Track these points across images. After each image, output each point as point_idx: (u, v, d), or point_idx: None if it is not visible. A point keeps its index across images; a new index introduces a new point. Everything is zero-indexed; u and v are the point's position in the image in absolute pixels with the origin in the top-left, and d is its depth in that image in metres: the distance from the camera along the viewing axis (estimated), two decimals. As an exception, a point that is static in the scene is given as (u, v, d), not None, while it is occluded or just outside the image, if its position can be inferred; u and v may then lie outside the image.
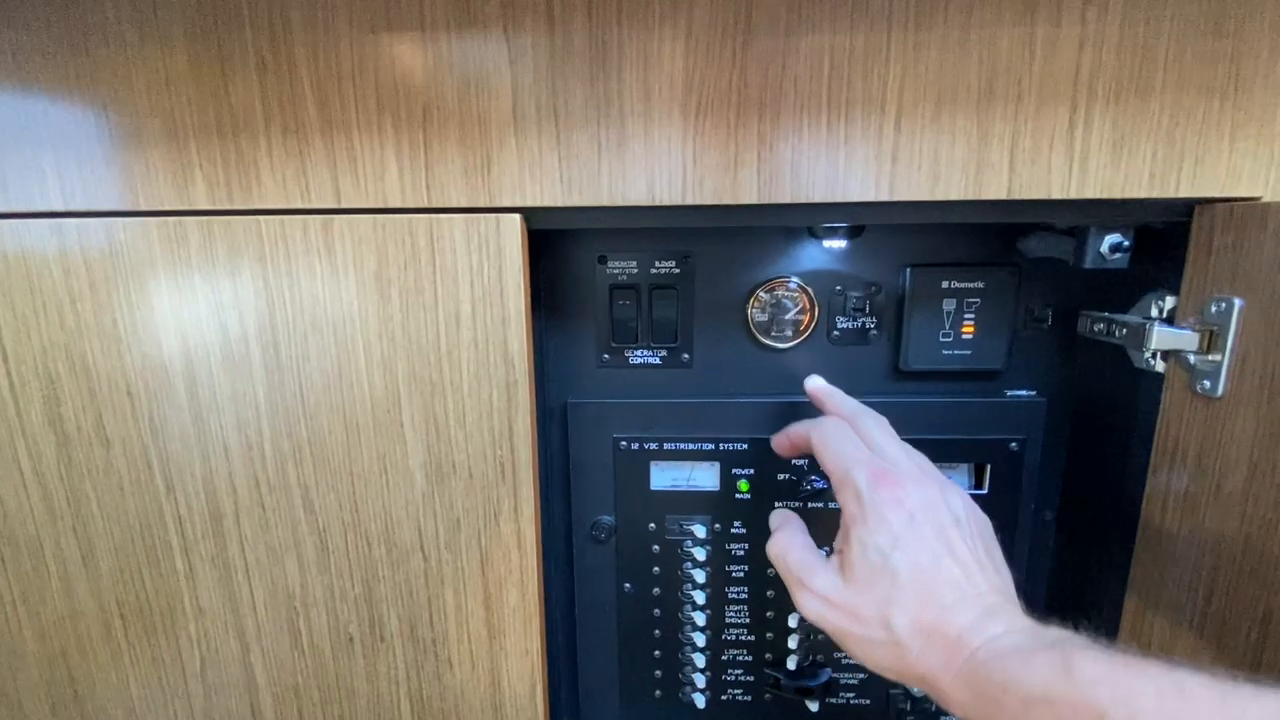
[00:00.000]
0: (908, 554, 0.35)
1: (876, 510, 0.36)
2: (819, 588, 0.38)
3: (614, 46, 0.38)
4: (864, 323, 0.53)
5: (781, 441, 0.46)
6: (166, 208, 0.42)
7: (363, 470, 0.45)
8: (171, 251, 0.42)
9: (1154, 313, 0.44)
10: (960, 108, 0.38)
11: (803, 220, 0.48)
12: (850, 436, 0.41)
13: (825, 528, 0.54)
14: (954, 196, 0.39)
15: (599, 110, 0.39)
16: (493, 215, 0.41)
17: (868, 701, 0.57)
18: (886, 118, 0.38)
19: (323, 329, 0.43)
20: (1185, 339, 0.41)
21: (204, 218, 0.42)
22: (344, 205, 0.41)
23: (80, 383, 0.44)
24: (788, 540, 0.41)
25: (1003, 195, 0.39)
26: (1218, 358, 0.39)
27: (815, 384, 0.47)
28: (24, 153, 0.42)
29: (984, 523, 0.39)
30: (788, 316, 0.53)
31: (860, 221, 0.48)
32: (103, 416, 0.45)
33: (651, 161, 0.40)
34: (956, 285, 0.51)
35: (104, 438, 0.45)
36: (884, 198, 0.39)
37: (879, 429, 0.42)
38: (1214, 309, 0.39)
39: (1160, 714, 0.25)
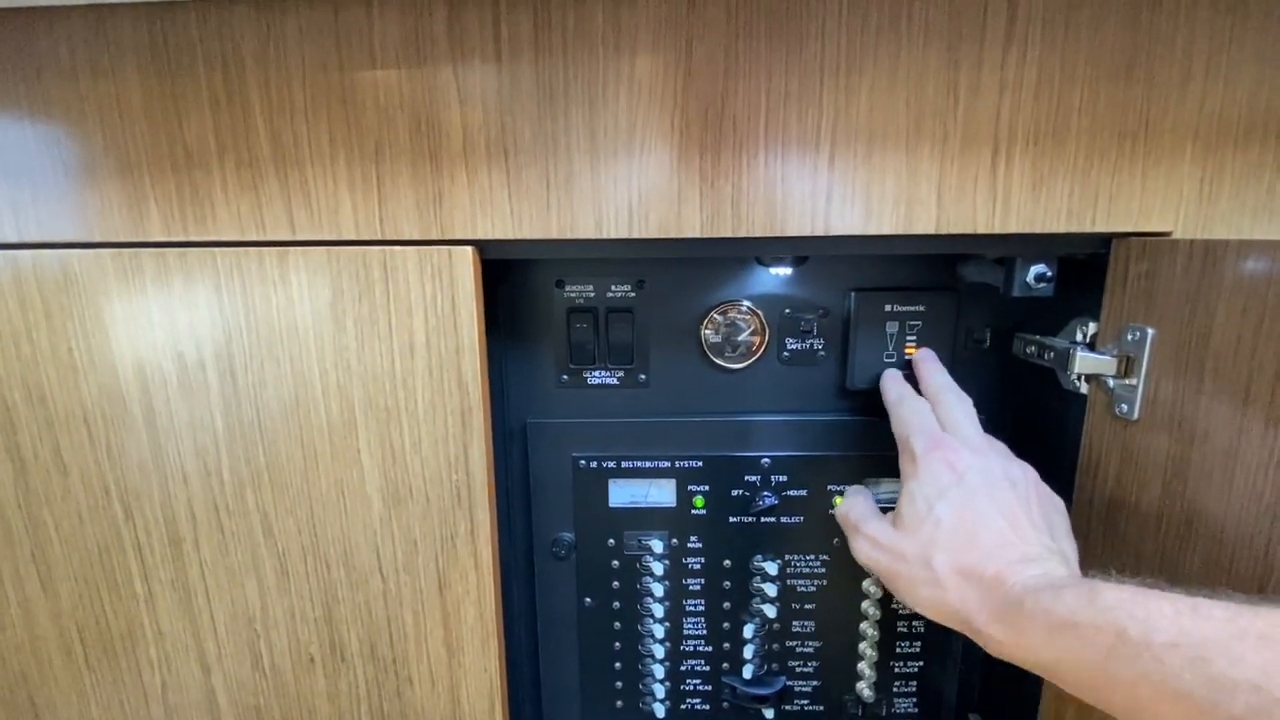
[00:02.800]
0: (952, 505, 0.39)
1: (929, 468, 0.41)
2: (869, 530, 0.43)
3: (560, 87, 0.40)
4: (812, 344, 0.54)
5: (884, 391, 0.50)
6: (122, 239, 0.42)
7: (321, 495, 0.46)
8: (127, 282, 0.43)
9: (1079, 337, 0.47)
10: (890, 148, 0.40)
11: (745, 252, 0.50)
12: (919, 409, 0.46)
13: (778, 541, 0.56)
14: (886, 231, 0.41)
15: (546, 148, 0.40)
16: (445, 247, 0.42)
17: (821, 708, 0.59)
18: (821, 156, 0.40)
19: (279, 357, 0.44)
20: (1105, 364, 0.43)
21: (160, 249, 0.42)
22: (299, 237, 0.42)
23: (36, 412, 0.45)
24: (851, 501, 0.48)
25: (931, 230, 0.41)
26: (1133, 382, 0.42)
27: (921, 353, 0.51)
28: (-23, 185, 0.42)
29: (1050, 498, 0.42)
30: (740, 338, 0.55)
31: (800, 253, 0.50)
32: (60, 445, 0.45)
33: (598, 196, 0.41)
34: (899, 308, 0.53)
35: (61, 465, 0.46)
36: (820, 232, 0.41)
37: (959, 407, 0.45)
38: (1130, 337, 0.42)
39: (1175, 629, 0.27)
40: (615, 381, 0.56)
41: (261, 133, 0.41)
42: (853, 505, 0.47)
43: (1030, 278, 0.45)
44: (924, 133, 0.40)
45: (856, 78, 0.39)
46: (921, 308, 0.53)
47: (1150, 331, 0.40)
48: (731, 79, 0.39)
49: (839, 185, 0.40)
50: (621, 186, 0.41)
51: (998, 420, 0.55)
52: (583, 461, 0.56)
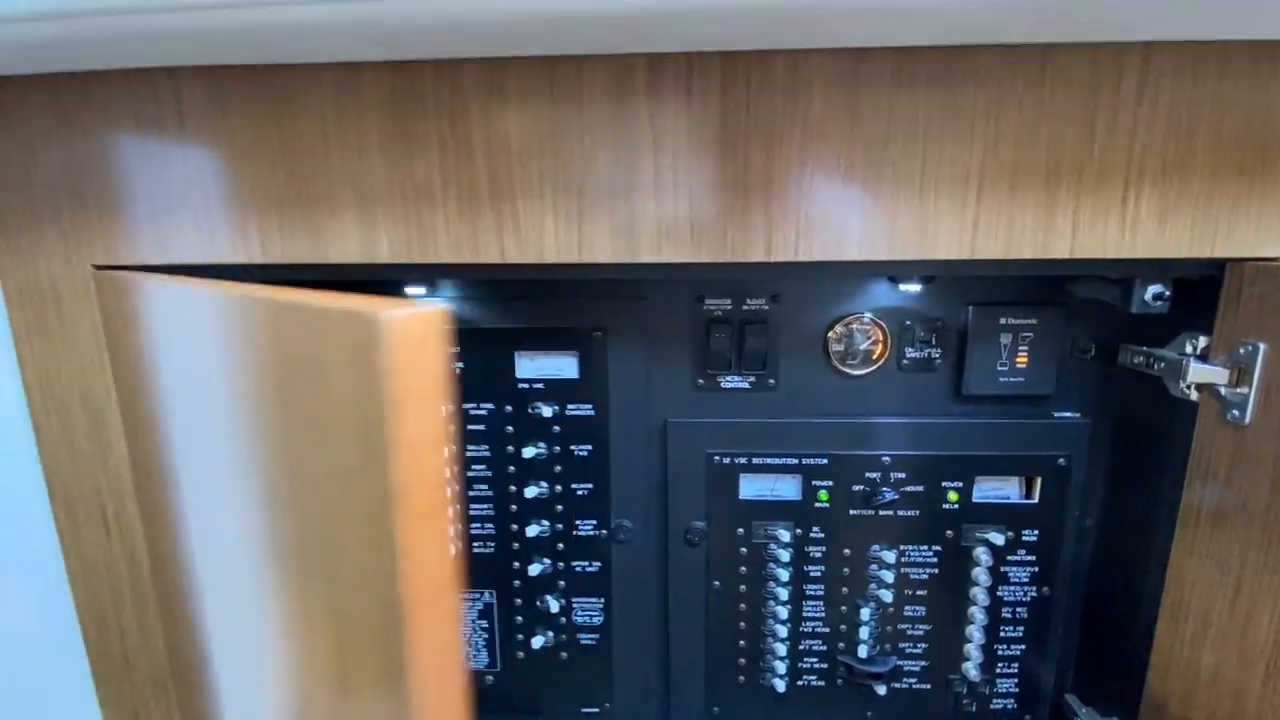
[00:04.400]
0: None
1: None
2: None
3: (741, 131, 0.46)
4: (930, 353, 0.60)
5: None
6: (354, 261, 0.49)
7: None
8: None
9: (1188, 349, 0.52)
10: (1031, 184, 0.45)
11: (903, 272, 0.55)
12: None
13: (895, 533, 0.61)
14: (1025, 256, 0.46)
15: (726, 184, 0.46)
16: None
17: (928, 686, 0.65)
18: (970, 191, 0.46)
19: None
20: (1218, 374, 0.48)
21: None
22: (507, 261, 0.48)
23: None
24: None
25: (1065, 255, 0.46)
26: (1245, 391, 0.47)
27: None
28: (230, 212, 0.49)
29: None
30: (862, 347, 0.60)
31: (949, 274, 0.56)
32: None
33: (769, 225, 0.47)
34: (1013, 321, 0.58)
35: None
36: (965, 256, 0.47)
37: None
38: (1242, 350, 0.47)
39: None
40: (747, 386, 0.62)
41: (481, 171, 0.47)
42: None
43: (1149, 296, 0.50)
44: (1062, 170, 0.45)
45: (1003, 122, 0.45)
46: (1033, 321, 0.58)
47: (1263, 346, 0.45)
48: (895, 124, 0.45)
49: (985, 215, 0.46)
50: (790, 216, 0.47)
51: (1102, 424, 0.60)
52: (716, 457, 0.62)
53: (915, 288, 0.58)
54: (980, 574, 0.61)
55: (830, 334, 0.60)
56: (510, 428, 0.63)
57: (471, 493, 0.64)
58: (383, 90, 0.46)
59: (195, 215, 0.49)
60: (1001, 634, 0.63)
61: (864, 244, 0.47)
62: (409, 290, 0.60)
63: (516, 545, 0.65)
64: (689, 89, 0.45)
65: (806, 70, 0.45)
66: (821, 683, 0.66)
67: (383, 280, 0.59)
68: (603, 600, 0.66)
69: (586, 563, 0.65)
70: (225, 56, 0.46)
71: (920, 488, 0.61)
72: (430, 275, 0.56)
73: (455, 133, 0.47)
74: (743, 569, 0.64)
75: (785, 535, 0.62)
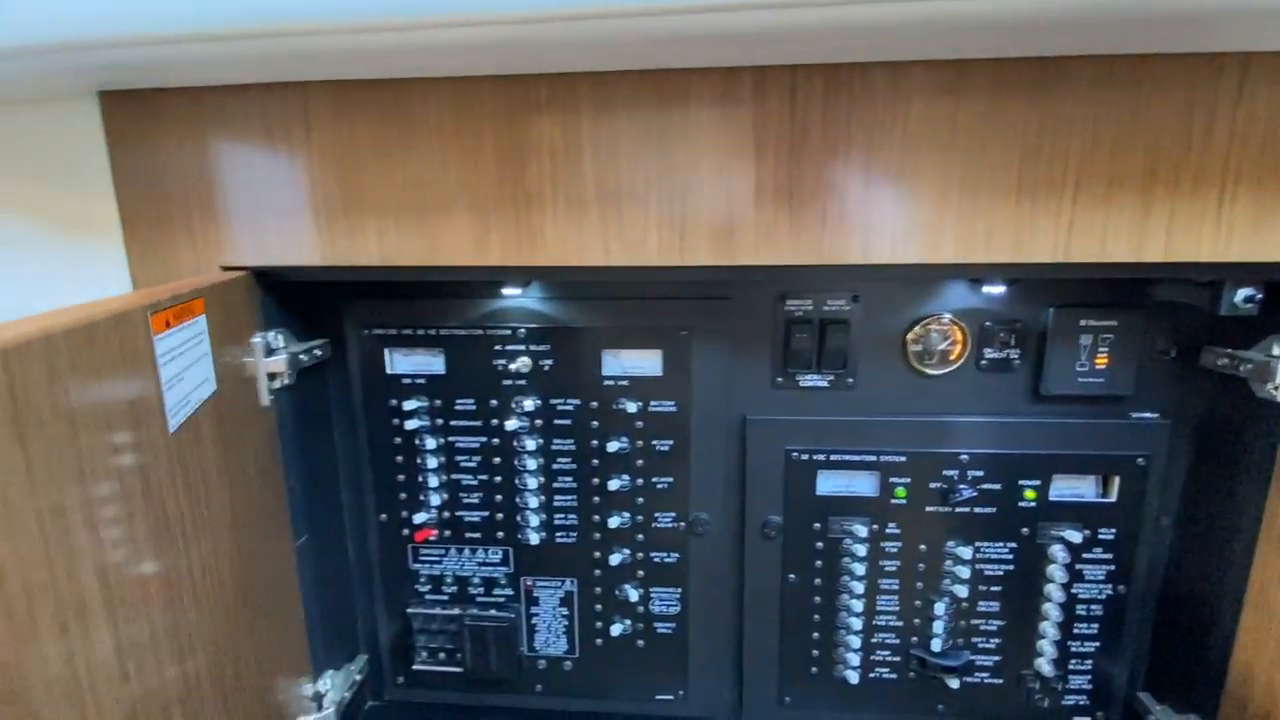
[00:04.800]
0: None
1: None
2: None
3: (843, 138, 0.48)
4: (1009, 354, 0.61)
5: None
6: (464, 263, 0.52)
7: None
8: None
9: (1275, 351, 0.52)
10: (1127, 188, 0.47)
11: (997, 275, 0.57)
12: None
13: (972, 529, 0.63)
14: (1118, 259, 0.48)
15: (825, 189, 0.48)
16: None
17: (1001, 680, 0.66)
18: (1065, 195, 0.47)
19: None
20: (1309, 376, 0.49)
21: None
22: (611, 264, 0.51)
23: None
24: None
25: (1159, 258, 0.47)
26: (1337, 393, 0.48)
27: None
28: (350, 217, 0.52)
29: None
30: (941, 347, 0.62)
31: (1037, 276, 0.57)
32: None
33: (868, 227, 0.49)
34: (1093, 323, 0.59)
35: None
36: (1060, 259, 0.48)
37: None
38: (1335, 352, 0.47)
39: None
40: (825, 384, 0.64)
41: (589, 177, 0.50)
42: None
43: (1239, 299, 0.51)
44: (1158, 175, 0.46)
45: (1100, 129, 0.46)
46: (1114, 323, 0.59)
47: (1357, 348, 0.46)
48: (993, 131, 0.46)
49: (1080, 219, 0.47)
50: (888, 221, 0.48)
51: (1181, 425, 0.61)
52: (795, 454, 0.64)
53: (998, 289, 0.59)
54: (1056, 571, 0.62)
55: (909, 335, 0.62)
56: (595, 423, 0.65)
57: (556, 485, 0.67)
58: (499, 101, 0.49)
59: (316, 219, 0.53)
60: (1075, 630, 0.64)
61: (960, 247, 0.49)
62: (505, 290, 0.62)
63: (598, 535, 0.68)
64: (792, 99, 0.47)
65: (907, 81, 0.46)
66: (893, 675, 0.67)
67: (488, 281, 0.62)
68: (679, 590, 0.68)
69: (665, 554, 0.67)
70: (351, 73, 0.49)
71: (997, 485, 0.62)
72: (530, 276, 0.59)
73: (567, 140, 0.49)
74: (818, 562, 0.65)
75: (862, 530, 0.63)
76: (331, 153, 0.51)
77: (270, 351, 0.56)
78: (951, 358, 0.62)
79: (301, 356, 0.60)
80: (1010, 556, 0.63)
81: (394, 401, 0.66)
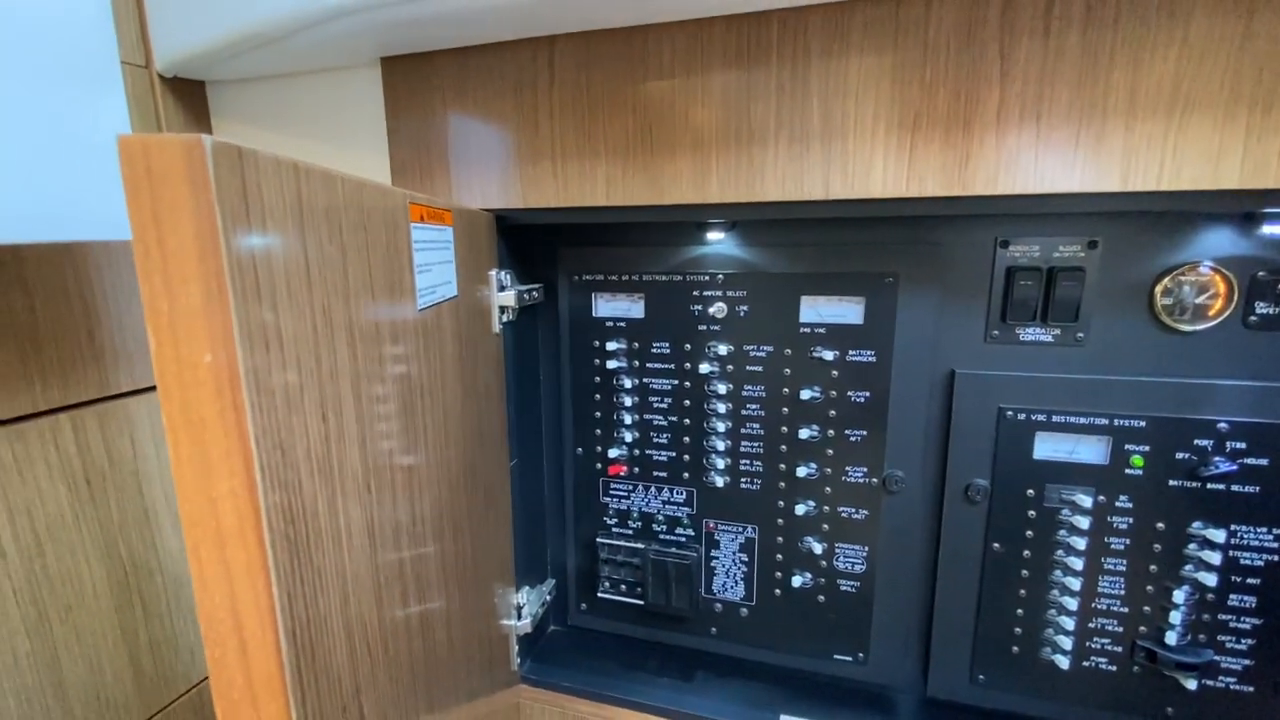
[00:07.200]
0: None
1: None
2: None
3: (1105, 54, 0.44)
4: (1288, 309, 0.53)
5: None
6: (688, 201, 0.55)
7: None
8: (682, 234, 0.55)
9: None
10: None
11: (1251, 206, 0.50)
12: None
13: (1227, 510, 0.55)
14: None
15: (1082, 111, 0.45)
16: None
17: (1252, 689, 0.57)
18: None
19: (797, 296, 0.53)
20: None
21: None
22: (831, 197, 0.51)
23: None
24: None
25: None
26: None
27: None
28: (584, 160, 0.57)
29: None
30: (1198, 300, 0.55)
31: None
32: (612, 358, 0.59)
33: (1128, 153, 0.45)
34: None
35: (609, 375, 0.59)
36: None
37: None
38: None
39: None
40: (1050, 339, 0.59)
41: (815, 112, 0.50)
42: None
43: None
44: None
45: None
46: None
47: None
48: (1304, 35, 0.41)
49: None
50: (1157, 141, 0.44)
51: None
52: (1010, 413, 0.60)
53: (1274, 230, 0.52)
54: (1340, 568, 0.53)
55: (1158, 286, 0.56)
56: (788, 370, 0.65)
57: (744, 430, 0.68)
58: (729, 40, 0.51)
59: (554, 164, 0.58)
60: (1363, 643, 0.54)
61: (1245, 171, 0.43)
62: (710, 235, 0.65)
63: (783, 485, 0.68)
64: (1047, 21, 0.45)
65: (1191, -14, 0.42)
66: (1112, 667, 0.61)
67: (696, 224, 0.64)
68: (866, 549, 0.67)
69: (854, 509, 0.66)
70: (597, 19, 0.53)
71: (1264, 460, 0.54)
72: (745, 215, 0.60)
73: (795, 76, 0.50)
74: (1029, 533, 0.61)
75: (1086, 501, 0.58)
76: (570, 102, 0.56)
77: (502, 287, 0.63)
78: (1210, 313, 0.55)
79: (525, 295, 0.66)
80: (1277, 545, 0.55)
81: (597, 343, 0.71)
